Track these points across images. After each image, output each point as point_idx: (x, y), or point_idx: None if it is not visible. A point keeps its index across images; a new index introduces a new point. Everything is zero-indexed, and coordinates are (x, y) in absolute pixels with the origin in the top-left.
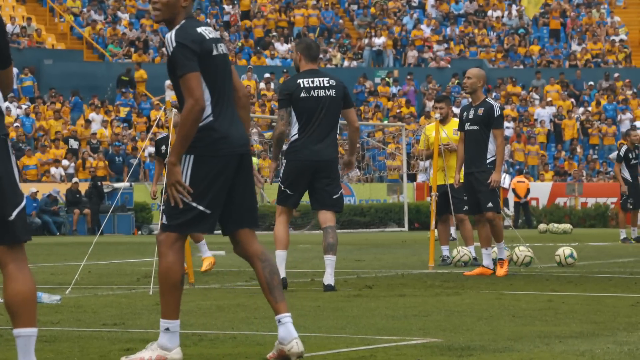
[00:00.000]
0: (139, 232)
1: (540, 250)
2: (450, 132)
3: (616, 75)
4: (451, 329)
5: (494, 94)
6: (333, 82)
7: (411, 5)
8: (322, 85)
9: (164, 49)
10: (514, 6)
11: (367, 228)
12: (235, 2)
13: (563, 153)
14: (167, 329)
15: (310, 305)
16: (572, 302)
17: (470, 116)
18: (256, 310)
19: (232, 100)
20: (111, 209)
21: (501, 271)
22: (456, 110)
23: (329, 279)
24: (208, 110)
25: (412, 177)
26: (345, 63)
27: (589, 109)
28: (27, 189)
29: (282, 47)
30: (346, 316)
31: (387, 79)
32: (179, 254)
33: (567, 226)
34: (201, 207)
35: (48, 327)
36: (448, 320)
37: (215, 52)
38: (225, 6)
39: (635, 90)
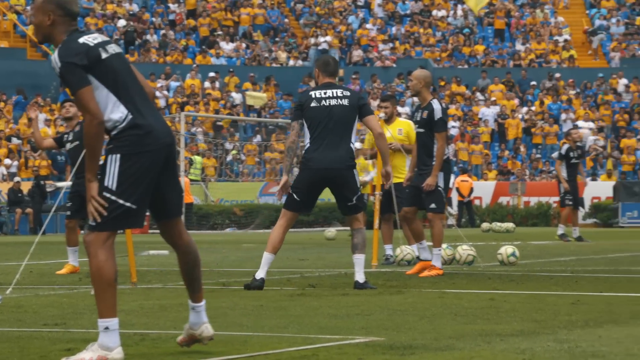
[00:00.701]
0: (81, 232)
1: (483, 249)
2: (394, 131)
3: (558, 75)
4: (393, 327)
5: (439, 93)
6: (347, 93)
7: (357, 4)
8: (334, 95)
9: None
10: (459, 6)
11: (311, 227)
12: (181, 0)
13: (506, 152)
14: (107, 328)
15: (252, 304)
16: (513, 301)
17: (418, 118)
18: None
19: (145, 95)
20: (54, 209)
21: (416, 270)
22: (402, 109)
23: (356, 276)
24: (123, 110)
25: None
26: (291, 62)
27: (533, 108)
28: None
29: (227, 46)
30: (289, 315)
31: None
32: (110, 251)
33: (509, 225)
34: (128, 204)
35: None
36: (390, 319)
37: (104, 55)
38: (170, 5)
39: (578, 90)
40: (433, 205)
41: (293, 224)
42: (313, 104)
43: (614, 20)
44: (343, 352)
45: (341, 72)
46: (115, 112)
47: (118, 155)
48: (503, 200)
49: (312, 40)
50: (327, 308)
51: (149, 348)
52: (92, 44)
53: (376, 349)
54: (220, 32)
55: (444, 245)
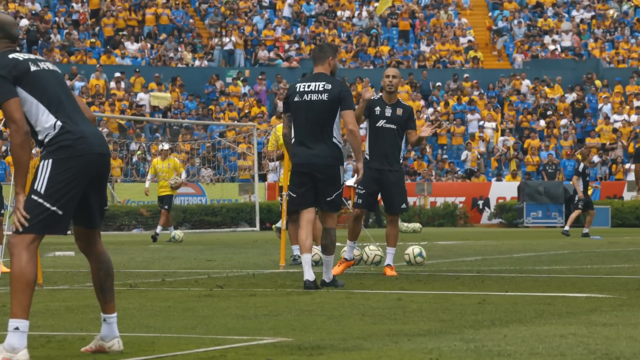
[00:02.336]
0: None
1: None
2: None
3: (466, 76)
4: (301, 328)
5: None
6: (328, 87)
7: (262, 5)
8: (316, 89)
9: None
10: (364, 7)
11: (219, 228)
12: (84, 0)
13: (413, 153)
14: (17, 329)
15: (160, 305)
16: (420, 301)
17: (387, 114)
18: None
19: (77, 107)
20: None
21: (392, 272)
22: None
23: (323, 275)
24: (52, 118)
25: (263, 177)
26: (197, 62)
27: (438, 109)
28: None
29: (132, 47)
30: (197, 316)
31: (237, 79)
32: (34, 254)
33: (416, 225)
34: (54, 208)
35: None
36: (298, 319)
37: (34, 68)
38: (74, 4)
39: (482, 91)
40: (404, 206)
41: (200, 224)
42: (296, 99)
43: (516, 22)
44: (251, 353)
45: (247, 72)
46: (46, 121)
47: (50, 161)
48: (410, 200)
49: (217, 41)
50: (235, 309)
51: (55, 350)
52: (21, 59)
53: (284, 350)
54: (125, 32)
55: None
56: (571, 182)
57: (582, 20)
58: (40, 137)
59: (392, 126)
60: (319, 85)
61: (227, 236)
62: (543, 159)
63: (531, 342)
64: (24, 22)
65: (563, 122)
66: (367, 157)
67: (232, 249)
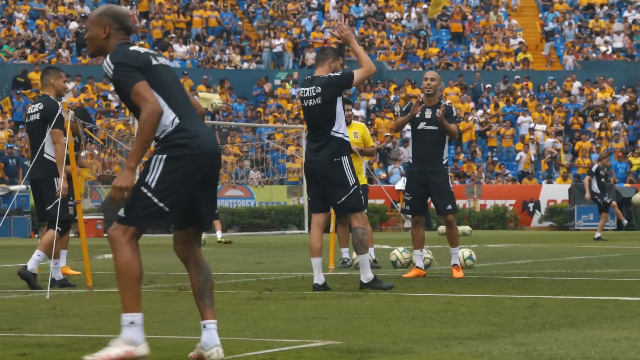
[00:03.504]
0: (36, 236)
1: (440, 252)
2: (350, 135)
3: (517, 77)
4: (351, 331)
5: (392, 96)
6: (319, 89)
7: (310, 7)
8: (310, 95)
9: (60, 50)
10: (413, 8)
11: (268, 230)
12: (134, 2)
13: (462, 155)
14: (132, 322)
15: None
16: (470, 304)
17: (428, 116)
18: (155, 313)
19: (191, 104)
20: (7, 212)
21: (459, 274)
22: (357, 112)
23: (361, 276)
24: (171, 114)
25: None
26: (245, 65)
27: (488, 111)
28: None
29: (180, 49)
30: (246, 319)
31: (286, 81)
32: (136, 247)
33: (466, 228)
34: (161, 204)
35: None
36: (348, 322)
37: (155, 62)
38: (123, 7)
39: (532, 92)
40: (450, 207)
41: (249, 227)
42: (302, 104)
43: (566, 23)
44: (301, 356)
45: (295, 74)
46: (166, 116)
47: (164, 156)
48: (459, 203)
49: (266, 43)
50: (284, 312)
51: None
52: (142, 52)
53: (334, 353)
54: (173, 35)
55: (400, 249)
56: (584, 182)
57: (634, 21)
58: (156, 133)
59: (433, 128)
60: (311, 90)
61: (275, 239)
62: (594, 161)
63: (583, 346)
64: (74, 25)
65: (614, 124)
66: (411, 160)
67: (281, 251)
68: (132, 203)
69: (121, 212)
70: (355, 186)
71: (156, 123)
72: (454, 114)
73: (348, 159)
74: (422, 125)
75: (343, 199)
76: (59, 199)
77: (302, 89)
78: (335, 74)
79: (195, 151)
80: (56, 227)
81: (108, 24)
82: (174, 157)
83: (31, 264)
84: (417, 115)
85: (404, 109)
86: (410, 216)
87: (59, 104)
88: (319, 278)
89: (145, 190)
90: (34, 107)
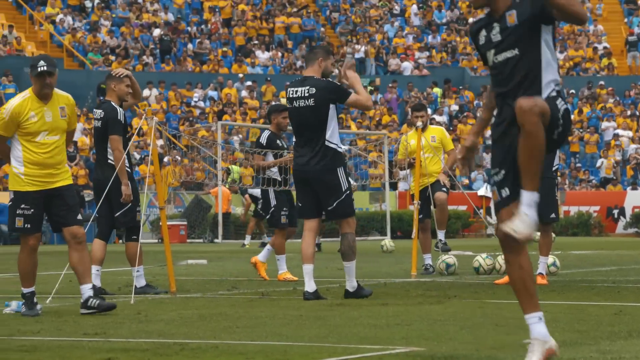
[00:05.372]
0: (120, 241)
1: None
2: (428, 139)
3: (601, 83)
4: (434, 337)
5: (475, 101)
6: (313, 90)
7: (392, 13)
8: (302, 95)
9: (144, 57)
10: None
11: None
12: (216, 9)
13: None
14: (540, 318)
15: (292, 314)
16: (555, 311)
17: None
18: (238, 319)
19: None
20: (92, 218)
21: (542, 281)
22: (439, 118)
23: (346, 284)
24: None
25: (393, 186)
26: None
27: (572, 117)
28: (6, 197)
29: (263, 55)
30: (329, 325)
31: (369, 87)
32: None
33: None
34: None
35: (29, 336)
36: (431, 329)
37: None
38: (206, 14)
39: (617, 98)
40: (554, 215)
41: (331, 233)
42: (289, 105)
43: None
44: None
45: (377, 80)
46: None
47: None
48: None
49: (348, 49)
50: (367, 318)
51: (188, 358)
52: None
53: (416, 359)
54: (255, 41)
55: (483, 255)
56: None
57: None
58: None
59: None
60: (304, 90)
61: (358, 245)
62: None
63: None
64: (157, 32)
65: None
66: None
67: (363, 257)
68: None
69: None
70: (348, 192)
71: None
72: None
73: (343, 169)
74: None
75: (334, 204)
76: (127, 206)
77: (292, 89)
78: (336, 83)
79: None
80: (139, 236)
81: None
82: None
83: (95, 281)
84: None
85: None
86: (493, 222)
87: (120, 110)
88: (309, 286)
89: None
90: (96, 113)
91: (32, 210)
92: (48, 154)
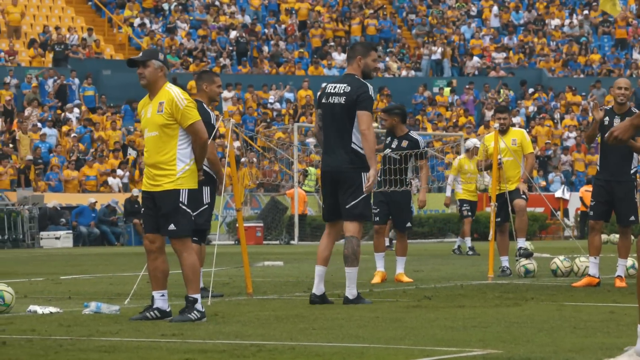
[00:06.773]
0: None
1: (602, 261)
2: (508, 142)
3: None
4: (511, 340)
5: (552, 103)
6: (347, 89)
7: (469, 14)
8: (338, 92)
9: (221, 59)
10: (574, 15)
11: (426, 238)
12: (293, 11)
13: None
14: None
15: (368, 316)
16: (634, 314)
17: (615, 124)
18: (315, 321)
19: None
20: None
21: (621, 284)
22: (515, 119)
23: (346, 291)
24: None
25: None
26: (404, 73)
27: None
28: (86, 199)
29: (339, 57)
30: (405, 327)
31: (448, 89)
32: None
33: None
34: None
35: (107, 337)
36: (508, 331)
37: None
38: (282, 16)
39: None
40: (633, 218)
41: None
42: (323, 100)
43: None
44: None
45: (454, 82)
46: None
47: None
48: None
49: (425, 51)
50: (444, 320)
51: (265, 359)
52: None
53: None
54: (332, 43)
55: (561, 257)
56: None
57: None
58: None
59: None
60: (341, 87)
61: (434, 247)
62: None
63: None
64: (234, 34)
65: None
66: (598, 168)
67: (440, 259)
68: None
69: None
70: (367, 195)
71: None
72: None
73: (366, 173)
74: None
75: (352, 203)
76: (203, 207)
77: (332, 84)
78: (369, 93)
79: None
80: (204, 239)
81: None
82: None
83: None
84: (606, 123)
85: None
86: (570, 224)
87: (212, 114)
88: (318, 288)
89: None
90: None
91: (143, 209)
92: (147, 152)
